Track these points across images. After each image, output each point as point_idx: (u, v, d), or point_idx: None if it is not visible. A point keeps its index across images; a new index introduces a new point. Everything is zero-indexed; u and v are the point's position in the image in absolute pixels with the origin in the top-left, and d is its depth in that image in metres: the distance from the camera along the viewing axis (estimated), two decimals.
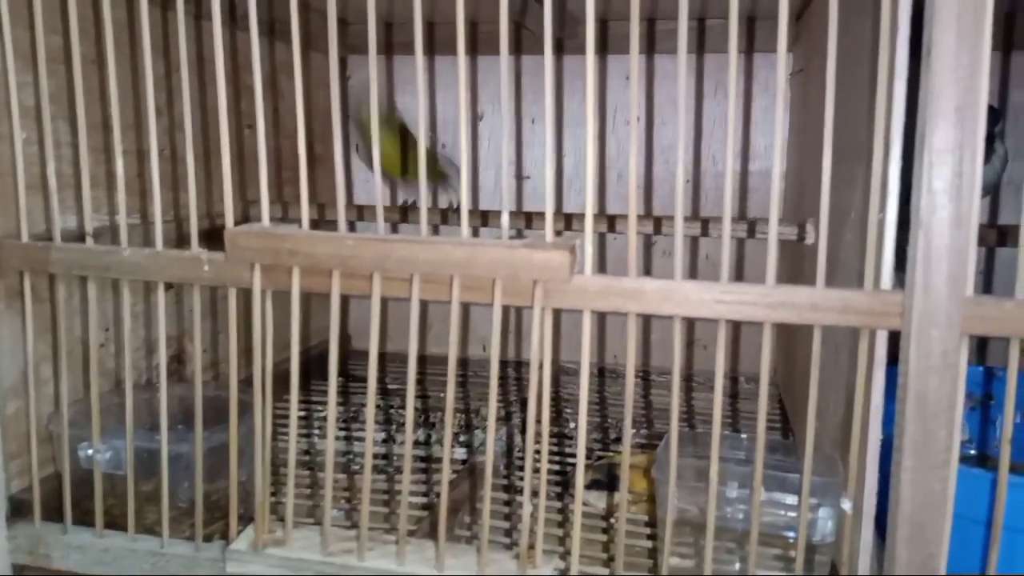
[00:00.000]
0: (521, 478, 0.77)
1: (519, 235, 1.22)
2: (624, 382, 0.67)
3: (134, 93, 1.00)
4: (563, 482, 1.00)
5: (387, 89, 1.54)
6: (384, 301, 0.69)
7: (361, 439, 1.10)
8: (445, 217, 1.31)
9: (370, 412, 0.71)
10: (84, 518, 0.81)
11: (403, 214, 1.29)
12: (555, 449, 1.11)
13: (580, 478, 0.70)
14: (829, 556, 0.75)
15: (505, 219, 0.68)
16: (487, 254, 0.66)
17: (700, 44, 1.41)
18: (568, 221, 1.22)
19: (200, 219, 0.76)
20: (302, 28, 0.69)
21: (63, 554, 0.81)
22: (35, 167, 0.86)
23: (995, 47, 0.57)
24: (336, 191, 0.70)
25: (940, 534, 0.60)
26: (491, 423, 0.70)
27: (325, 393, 0.72)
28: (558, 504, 0.95)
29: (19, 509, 0.84)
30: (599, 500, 0.93)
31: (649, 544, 0.86)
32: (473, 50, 1.46)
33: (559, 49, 1.45)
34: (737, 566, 0.75)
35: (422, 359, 1.45)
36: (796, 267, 1.24)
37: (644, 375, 1.47)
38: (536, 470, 0.69)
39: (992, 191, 1.29)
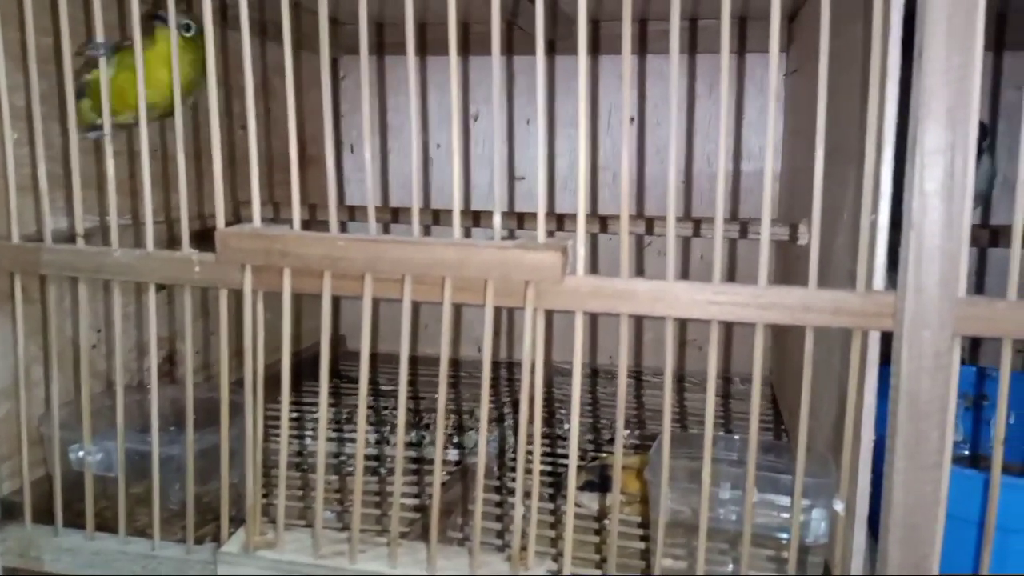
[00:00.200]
0: (514, 479, 0.77)
1: (511, 235, 1.22)
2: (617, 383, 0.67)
3: None
4: (556, 483, 1.00)
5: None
6: (376, 302, 0.69)
7: (353, 440, 1.09)
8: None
9: (361, 413, 0.71)
10: (75, 520, 0.81)
11: (393, 214, 1.29)
12: (548, 450, 1.11)
13: (573, 479, 0.70)
14: (822, 557, 0.75)
15: (497, 220, 0.68)
16: (479, 255, 0.66)
17: (693, 45, 1.41)
18: (560, 221, 1.21)
19: (191, 220, 0.76)
20: (294, 28, 0.69)
21: (54, 556, 0.80)
22: (26, 168, 0.85)
23: (987, 47, 0.57)
24: (328, 191, 0.70)
25: (933, 535, 0.60)
26: (483, 424, 0.70)
27: (318, 394, 0.72)
28: (551, 505, 0.94)
29: (10, 511, 0.84)
30: (592, 501, 0.93)
31: (642, 545, 0.86)
32: (467, 51, 1.46)
33: (553, 50, 1.45)
34: (730, 567, 0.75)
35: (415, 360, 1.45)
36: (790, 268, 1.24)
37: (637, 375, 1.47)
38: (528, 471, 0.69)
39: (981, 203, 1.29)
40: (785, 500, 0.73)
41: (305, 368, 1.23)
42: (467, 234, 1.32)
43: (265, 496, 0.89)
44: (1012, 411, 0.98)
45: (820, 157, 0.62)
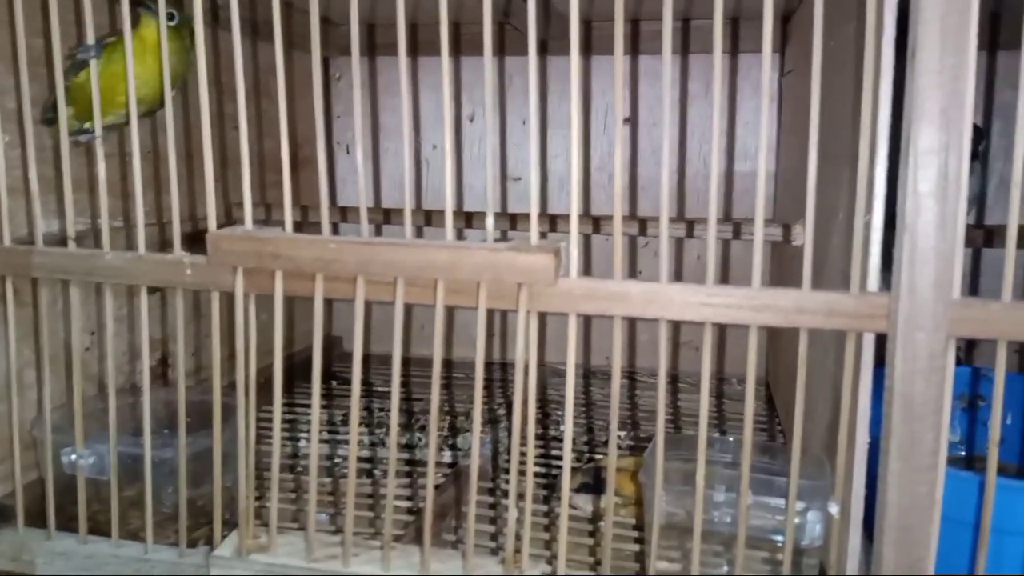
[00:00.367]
0: (508, 481, 0.77)
1: (504, 237, 1.22)
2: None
3: None
4: (550, 485, 1.00)
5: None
6: (370, 303, 0.69)
7: (347, 443, 1.09)
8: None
9: (354, 415, 0.71)
10: (68, 524, 0.81)
11: (386, 215, 1.28)
12: (542, 452, 1.11)
13: (567, 481, 0.70)
14: (817, 559, 0.74)
15: (490, 222, 0.68)
16: (471, 257, 0.65)
17: (685, 45, 1.41)
18: (553, 223, 1.21)
19: (183, 222, 0.75)
20: (286, 28, 0.69)
21: (47, 560, 0.80)
22: (17, 170, 0.85)
23: (981, 47, 0.57)
24: (319, 193, 0.69)
25: (928, 537, 0.60)
26: (476, 426, 0.69)
27: (311, 396, 0.72)
28: (545, 508, 0.94)
29: (2, 515, 0.84)
30: (586, 503, 0.93)
31: (636, 548, 0.86)
32: (460, 51, 1.45)
33: (546, 50, 1.44)
34: (725, 569, 0.75)
35: (409, 361, 1.45)
36: (785, 268, 1.24)
37: (631, 376, 1.47)
38: (523, 473, 0.68)
39: (974, 206, 1.29)
40: (780, 502, 0.72)
41: (299, 370, 1.22)
42: (460, 236, 1.32)
43: (258, 499, 0.88)
44: (1008, 412, 0.98)
45: (814, 158, 0.61)
